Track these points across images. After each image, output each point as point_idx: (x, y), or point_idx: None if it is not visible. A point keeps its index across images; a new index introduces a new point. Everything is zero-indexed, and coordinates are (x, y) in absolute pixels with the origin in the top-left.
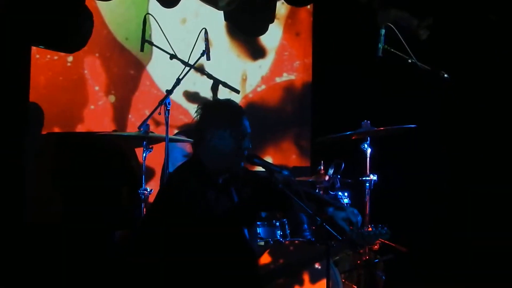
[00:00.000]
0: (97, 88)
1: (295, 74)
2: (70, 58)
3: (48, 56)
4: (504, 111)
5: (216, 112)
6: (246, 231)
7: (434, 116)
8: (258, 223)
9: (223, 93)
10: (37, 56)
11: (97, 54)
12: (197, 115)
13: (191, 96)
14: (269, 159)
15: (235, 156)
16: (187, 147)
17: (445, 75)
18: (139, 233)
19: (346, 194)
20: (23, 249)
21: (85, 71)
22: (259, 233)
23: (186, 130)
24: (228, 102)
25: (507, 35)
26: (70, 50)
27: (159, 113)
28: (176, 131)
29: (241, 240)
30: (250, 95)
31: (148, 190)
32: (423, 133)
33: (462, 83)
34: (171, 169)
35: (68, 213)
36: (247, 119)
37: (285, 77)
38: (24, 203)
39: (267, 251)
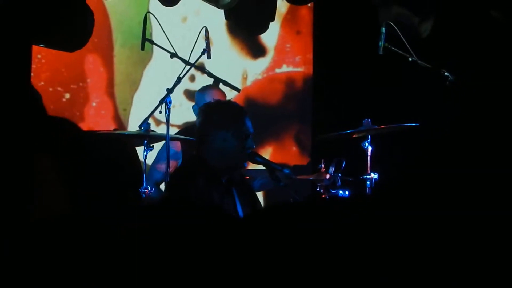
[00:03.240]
0: (97, 86)
1: (296, 69)
2: (71, 57)
3: (49, 54)
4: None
5: (218, 114)
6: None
7: (437, 114)
8: None
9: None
10: (39, 56)
11: (97, 53)
12: (199, 117)
13: (192, 95)
14: (268, 154)
15: (238, 156)
16: (176, 146)
17: (446, 73)
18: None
19: (347, 192)
20: (29, 245)
21: (86, 70)
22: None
23: (185, 128)
24: (230, 103)
25: (510, 31)
26: (71, 48)
27: (160, 112)
28: (177, 129)
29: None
30: (250, 89)
31: (149, 189)
32: (426, 131)
33: (464, 81)
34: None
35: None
36: (249, 119)
37: (285, 69)
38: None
39: None
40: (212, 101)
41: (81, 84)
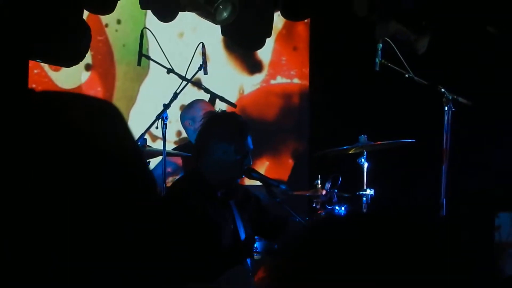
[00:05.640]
0: None
1: (292, 81)
2: (67, 72)
3: (45, 69)
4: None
5: (222, 125)
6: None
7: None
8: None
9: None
10: (36, 71)
11: (95, 68)
12: (202, 125)
13: None
14: (264, 168)
15: (235, 171)
16: (178, 161)
17: (442, 90)
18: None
19: (343, 208)
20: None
21: (82, 85)
22: (256, 247)
23: (185, 144)
24: (235, 116)
25: (506, 48)
26: (68, 64)
27: (156, 127)
28: (173, 145)
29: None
30: (245, 101)
31: None
32: (422, 147)
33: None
34: None
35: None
36: (251, 135)
37: (280, 80)
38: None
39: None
40: (203, 112)
41: None
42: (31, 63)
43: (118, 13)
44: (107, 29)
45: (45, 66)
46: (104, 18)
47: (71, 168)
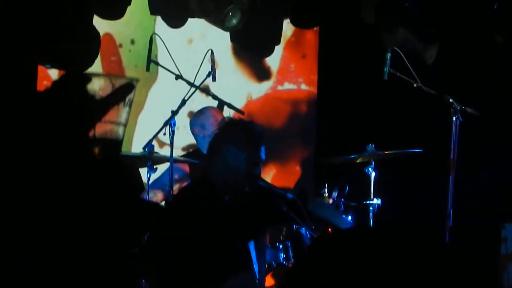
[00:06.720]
0: None
1: (300, 87)
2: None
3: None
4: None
5: (239, 132)
6: (252, 245)
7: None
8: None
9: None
10: (45, 82)
11: (101, 69)
12: (219, 128)
13: None
14: (271, 176)
15: (243, 179)
16: (185, 168)
17: (450, 100)
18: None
19: (349, 217)
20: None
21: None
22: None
23: (190, 152)
24: (253, 125)
25: None
26: (77, 69)
27: (164, 134)
28: (180, 152)
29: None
30: (252, 107)
31: None
32: (429, 157)
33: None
34: None
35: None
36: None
37: (287, 86)
38: None
39: (271, 273)
40: (213, 120)
41: None
42: (41, 74)
43: (131, 32)
44: (116, 35)
45: (54, 77)
46: (114, 23)
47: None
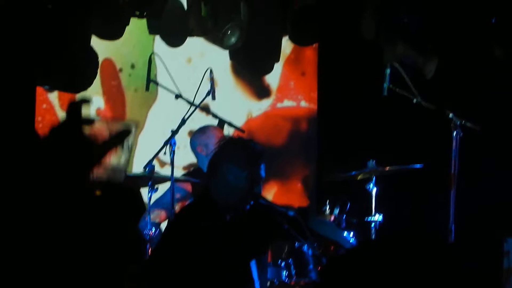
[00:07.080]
0: None
1: (299, 104)
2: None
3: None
4: None
5: (239, 151)
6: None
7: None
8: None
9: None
10: (44, 106)
11: (102, 94)
12: (219, 147)
13: None
14: (272, 194)
15: (243, 197)
16: (187, 187)
17: (450, 115)
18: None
19: (351, 234)
20: None
21: (91, 111)
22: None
23: (191, 171)
24: (253, 143)
25: None
26: (75, 90)
27: (165, 153)
28: (181, 171)
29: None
30: (253, 124)
31: (153, 230)
32: (430, 173)
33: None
34: None
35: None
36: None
37: (286, 103)
38: None
39: None
40: (216, 139)
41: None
42: (39, 97)
43: (131, 55)
44: (115, 56)
45: (54, 101)
46: (112, 43)
47: None
